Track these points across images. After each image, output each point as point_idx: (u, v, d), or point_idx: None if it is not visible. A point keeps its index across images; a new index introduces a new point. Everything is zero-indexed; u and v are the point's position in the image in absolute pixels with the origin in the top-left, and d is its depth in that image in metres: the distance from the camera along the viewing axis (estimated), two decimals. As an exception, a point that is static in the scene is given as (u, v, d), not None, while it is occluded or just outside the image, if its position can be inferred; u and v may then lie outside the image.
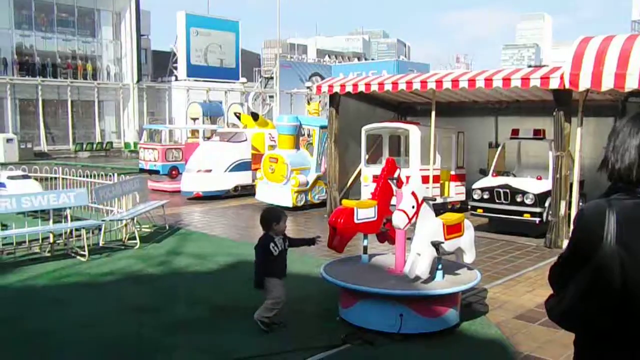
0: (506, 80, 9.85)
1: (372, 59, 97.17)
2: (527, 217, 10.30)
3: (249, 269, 8.65)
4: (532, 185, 10.45)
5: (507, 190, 10.48)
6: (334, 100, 12.62)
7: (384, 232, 6.56)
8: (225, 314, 6.54)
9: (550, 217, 9.89)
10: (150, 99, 43.60)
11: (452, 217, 5.93)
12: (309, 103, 18.02)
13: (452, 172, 12.93)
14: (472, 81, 10.26)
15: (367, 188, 12.48)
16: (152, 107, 44.22)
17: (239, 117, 18.82)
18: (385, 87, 11.45)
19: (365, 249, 6.52)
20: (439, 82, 10.69)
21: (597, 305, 2.18)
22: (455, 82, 10.47)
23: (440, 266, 5.77)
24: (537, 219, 10.26)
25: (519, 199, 10.38)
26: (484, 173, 11.64)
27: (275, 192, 13.75)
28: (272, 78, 50.10)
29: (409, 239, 5.84)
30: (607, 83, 8.63)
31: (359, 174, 13.56)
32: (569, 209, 9.81)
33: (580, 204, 9.86)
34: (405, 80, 11.17)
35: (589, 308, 2.20)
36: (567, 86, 9.05)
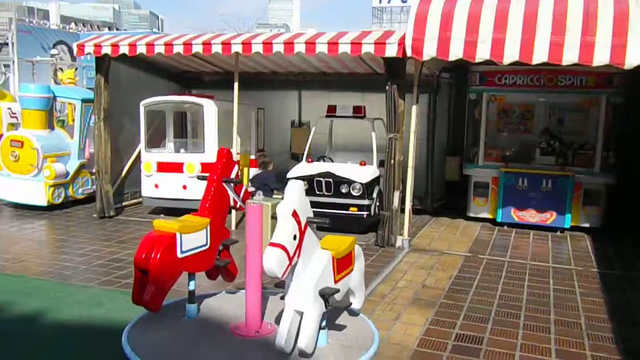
0: (333, 45, 7.99)
1: (125, 29, 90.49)
2: (353, 210, 8.68)
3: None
4: (358, 173, 8.86)
5: (330, 180, 8.73)
6: (103, 65, 9.53)
7: (222, 266, 4.20)
8: None
9: (382, 211, 8.38)
10: None
11: (339, 243, 3.80)
12: (61, 70, 14.28)
13: (252, 157, 10.83)
14: (289, 44, 8.20)
15: (150, 179, 9.81)
16: None
17: (-39, 87, 14.26)
18: (174, 49, 8.80)
19: (191, 295, 4.06)
20: (246, 45, 8.42)
21: None
22: (267, 45, 8.31)
23: (324, 323, 3.63)
24: (365, 213, 8.71)
25: (344, 190, 8.70)
26: (296, 158, 9.77)
27: (22, 186, 10.21)
28: (6, 44, 42.34)
29: (277, 286, 3.58)
30: (456, 51, 7.27)
31: (137, 160, 10.73)
32: (403, 200, 8.44)
33: (409, 196, 8.53)
34: (202, 41, 8.66)
35: None
36: (409, 54, 7.52)
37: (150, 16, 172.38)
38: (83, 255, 7.64)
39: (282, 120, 11.82)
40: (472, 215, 10.23)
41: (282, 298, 3.57)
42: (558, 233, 9.57)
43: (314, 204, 8.67)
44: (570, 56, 6.82)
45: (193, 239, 3.85)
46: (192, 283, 4.01)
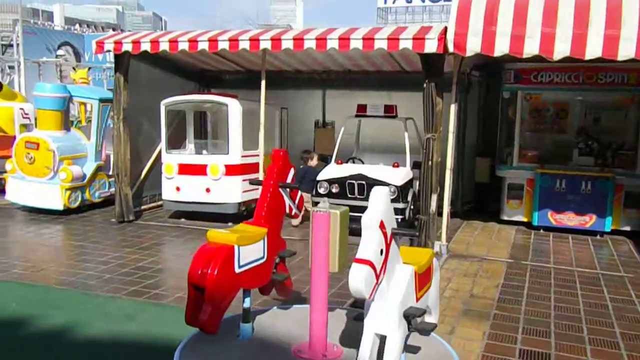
0: (368, 40, 7.58)
1: (129, 31, 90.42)
2: (388, 214, 8.24)
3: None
4: (392, 175, 8.46)
5: (363, 182, 8.34)
6: (123, 63, 9.16)
7: (279, 280, 3.80)
8: None
9: (418, 215, 7.98)
10: None
11: (419, 256, 3.40)
12: (74, 70, 13.93)
13: (276, 158, 10.43)
14: (321, 40, 7.80)
15: (171, 181, 9.42)
16: None
17: (-29, 87, 13.85)
18: (199, 45, 8.40)
19: (247, 313, 3.66)
20: (275, 41, 8.02)
21: None
22: (298, 41, 7.91)
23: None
24: (400, 217, 8.31)
25: (377, 193, 8.29)
26: (324, 160, 9.37)
27: (37, 190, 9.84)
28: (11, 45, 42.05)
29: (356, 308, 3.16)
30: (502, 47, 6.87)
31: (156, 162, 10.37)
32: (440, 203, 8.04)
33: (447, 199, 8.13)
34: (229, 37, 8.26)
35: None
36: (451, 49, 7.11)
37: (154, 17, 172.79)
38: (106, 263, 7.25)
39: (305, 120, 11.43)
40: (505, 218, 9.82)
41: (356, 319, 3.18)
42: (597, 237, 9.17)
43: (345, 208, 8.32)
44: (626, 51, 6.41)
45: (250, 251, 3.45)
46: (247, 300, 3.60)
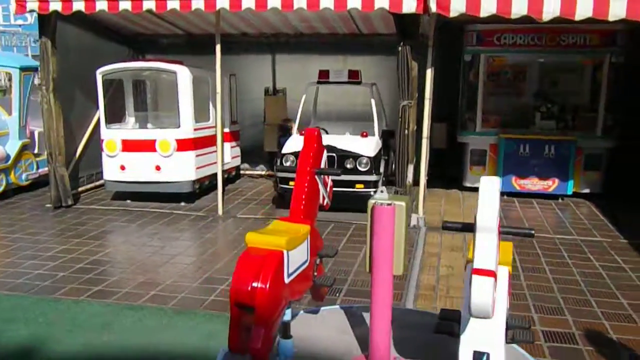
0: (340, 0, 6.92)
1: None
2: (359, 187, 7.77)
3: None
4: (363, 145, 7.94)
5: (333, 155, 7.76)
6: (49, 25, 7.97)
7: (325, 285, 3.20)
8: None
9: (395, 187, 7.55)
10: None
11: (506, 251, 2.91)
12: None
13: (227, 129, 9.66)
14: (287, 0, 7.04)
15: (114, 160, 8.47)
16: None
17: None
18: (144, 5, 7.37)
19: (287, 327, 3.03)
20: (234, 1, 7.18)
21: None
22: (260, 0, 7.11)
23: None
24: (372, 190, 7.85)
25: (349, 165, 7.77)
26: (286, 131, 8.70)
27: (-47, 175, 8.56)
28: None
29: (447, 321, 2.61)
30: (488, 6, 6.43)
31: (91, 138, 9.34)
32: (416, 173, 7.67)
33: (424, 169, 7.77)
34: (179, -5, 7.31)
35: None
36: (433, 9, 6.60)
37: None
38: (54, 258, 6.31)
39: (254, 87, 10.60)
40: (468, 185, 9.60)
41: (439, 331, 2.67)
42: (559, 200, 9.15)
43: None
44: (617, 10, 6.15)
45: (297, 255, 2.83)
46: (288, 312, 2.97)
